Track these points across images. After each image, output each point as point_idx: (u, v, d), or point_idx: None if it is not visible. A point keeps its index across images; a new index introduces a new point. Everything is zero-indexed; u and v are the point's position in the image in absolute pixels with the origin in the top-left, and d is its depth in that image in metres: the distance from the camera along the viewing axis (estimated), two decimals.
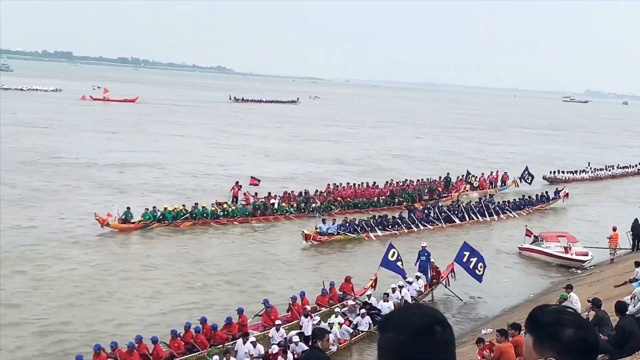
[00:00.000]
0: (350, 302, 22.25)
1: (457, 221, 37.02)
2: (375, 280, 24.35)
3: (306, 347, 16.40)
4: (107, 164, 49.60)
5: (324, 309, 22.24)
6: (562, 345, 2.24)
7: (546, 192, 44.60)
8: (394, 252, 24.64)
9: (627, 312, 13.55)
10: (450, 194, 44.47)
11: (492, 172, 50.89)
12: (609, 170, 61.18)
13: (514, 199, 42.16)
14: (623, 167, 62.96)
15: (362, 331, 20.79)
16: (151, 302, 22.86)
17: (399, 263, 24.63)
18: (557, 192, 44.77)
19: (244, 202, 36.80)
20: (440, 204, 39.47)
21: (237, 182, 39.16)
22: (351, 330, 20.53)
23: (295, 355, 17.39)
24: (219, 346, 18.95)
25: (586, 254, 30.25)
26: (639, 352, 11.99)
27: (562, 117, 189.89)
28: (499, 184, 49.55)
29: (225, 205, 35.46)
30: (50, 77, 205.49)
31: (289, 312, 21.41)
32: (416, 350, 2.11)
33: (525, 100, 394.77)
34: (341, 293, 23.65)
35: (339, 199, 39.12)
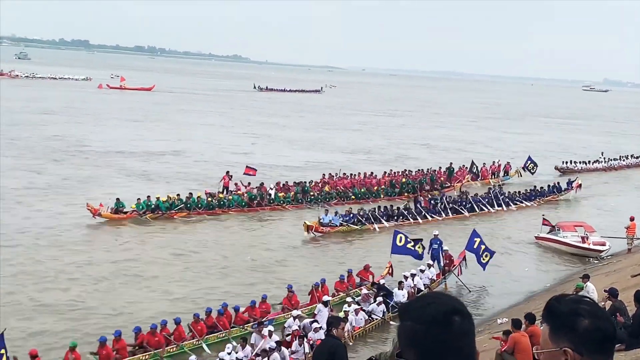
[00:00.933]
0: (365, 290, 22.33)
1: (466, 212, 36.35)
2: (391, 267, 24.43)
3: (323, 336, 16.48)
4: (133, 152, 50.22)
5: (342, 294, 22.48)
6: (578, 335, 2.23)
7: (558, 183, 43.76)
8: (400, 238, 24.72)
9: None
10: (452, 185, 43.89)
11: (494, 162, 49.98)
12: (623, 160, 60.36)
13: (525, 190, 41.32)
14: (638, 157, 62.06)
15: (377, 318, 20.91)
16: (166, 291, 23.05)
17: (409, 245, 24.66)
18: (569, 183, 43.74)
19: (240, 192, 35.75)
20: (446, 195, 38.84)
21: (227, 172, 38.03)
22: (367, 317, 20.64)
23: (311, 342, 17.50)
24: (241, 327, 19.44)
25: (603, 244, 30.03)
26: None
27: (583, 106, 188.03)
28: (501, 174, 48.67)
29: (221, 196, 35.00)
30: (68, 65, 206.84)
31: (310, 297, 21.62)
32: (431, 339, 2.12)
33: (544, 89, 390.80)
34: (359, 280, 23.82)
35: (337, 188, 38.42)
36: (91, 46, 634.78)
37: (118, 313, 20.57)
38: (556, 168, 53.26)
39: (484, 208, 37.51)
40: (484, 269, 25.14)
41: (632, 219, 30.34)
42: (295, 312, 19.54)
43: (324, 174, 41.06)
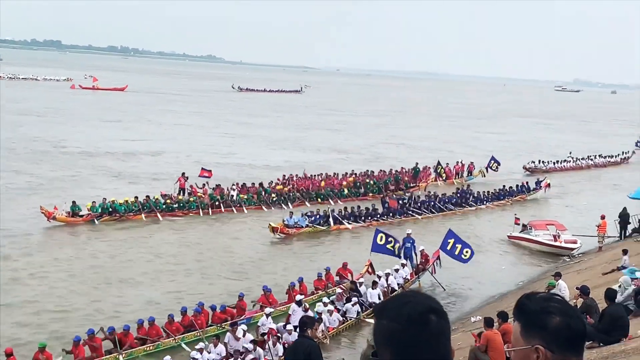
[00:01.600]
0: (338, 290, 22.31)
1: (430, 213, 36.15)
2: (371, 265, 24.23)
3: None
4: (111, 153, 49.87)
5: (321, 292, 22.46)
6: (549, 333, 2.25)
7: (527, 183, 43.88)
8: (381, 237, 24.80)
9: (616, 300, 13.66)
10: (418, 185, 43.76)
11: (457, 162, 49.75)
12: (591, 159, 60.81)
13: (494, 189, 41.27)
14: (606, 157, 62.68)
15: (351, 318, 20.89)
16: (141, 291, 22.86)
17: (388, 246, 24.73)
18: (538, 183, 43.78)
19: (198, 194, 35.01)
20: (414, 195, 38.59)
21: (183, 174, 37.32)
22: (341, 318, 20.59)
23: (286, 344, 17.42)
24: (218, 326, 19.34)
25: (575, 242, 30.37)
26: (627, 339, 12.12)
27: (556, 106, 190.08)
28: (465, 174, 48.55)
29: (180, 198, 34.52)
30: (40, 66, 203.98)
31: (287, 297, 21.57)
32: (407, 338, 2.11)
33: (517, 89, 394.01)
34: (337, 278, 23.79)
35: (300, 190, 38.00)
36: (63, 46, 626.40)
37: (88, 314, 20.34)
38: (524, 167, 53.34)
39: (452, 208, 37.43)
40: (465, 262, 25.22)
41: (602, 217, 30.71)
42: (267, 310, 19.43)
43: (284, 175, 40.76)
